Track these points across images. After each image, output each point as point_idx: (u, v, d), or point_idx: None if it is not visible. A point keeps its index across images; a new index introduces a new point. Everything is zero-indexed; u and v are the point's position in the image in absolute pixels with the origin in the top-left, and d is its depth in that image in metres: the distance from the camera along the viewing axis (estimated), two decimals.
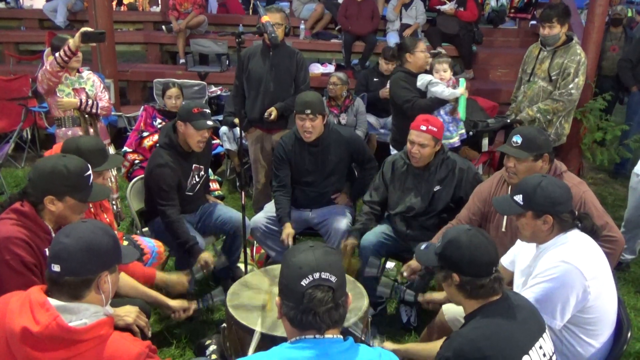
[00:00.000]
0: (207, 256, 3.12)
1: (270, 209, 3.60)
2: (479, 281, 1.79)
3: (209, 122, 3.21)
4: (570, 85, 4.06)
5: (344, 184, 3.64)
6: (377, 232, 3.31)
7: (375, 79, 5.70)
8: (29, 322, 1.52)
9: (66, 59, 3.68)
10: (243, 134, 3.49)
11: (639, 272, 4.03)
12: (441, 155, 3.17)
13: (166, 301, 2.62)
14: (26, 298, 1.59)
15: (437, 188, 3.15)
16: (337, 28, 7.45)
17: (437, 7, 6.88)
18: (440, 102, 3.78)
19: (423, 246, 2.08)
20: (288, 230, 3.36)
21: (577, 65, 4.05)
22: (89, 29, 3.71)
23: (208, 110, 3.27)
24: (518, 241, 2.39)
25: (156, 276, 2.72)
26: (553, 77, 4.13)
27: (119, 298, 2.41)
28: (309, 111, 3.29)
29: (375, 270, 2.90)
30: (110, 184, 3.36)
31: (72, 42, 3.63)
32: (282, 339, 1.55)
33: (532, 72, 4.28)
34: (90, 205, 2.68)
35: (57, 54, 3.70)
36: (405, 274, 2.86)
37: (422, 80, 3.84)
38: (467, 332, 1.77)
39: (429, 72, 3.96)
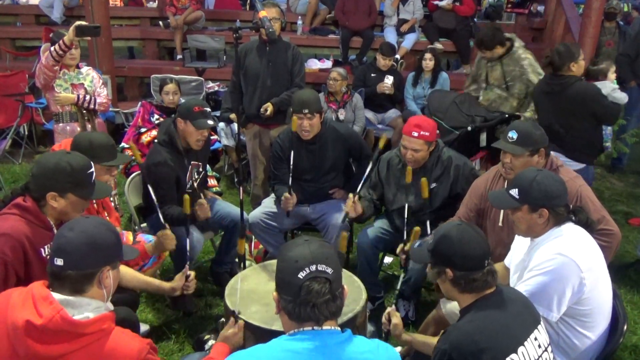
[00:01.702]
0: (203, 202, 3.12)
1: (268, 204, 3.60)
2: (472, 275, 1.80)
3: (210, 122, 3.19)
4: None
5: (342, 180, 3.65)
6: (375, 228, 3.33)
7: (372, 75, 5.70)
8: (32, 315, 1.53)
9: (61, 52, 3.68)
10: (241, 130, 3.49)
11: (635, 258, 4.05)
12: (436, 153, 3.18)
13: (165, 285, 2.63)
14: (28, 292, 1.60)
15: (433, 185, 3.16)
16: (330, 14, 7.40)
17: (435, 2, 6.88)
18: None
19: (417, 244, 2.11)
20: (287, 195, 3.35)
21: (526, 69, 4.15)
22: (84, 23, 3.71)
23: (209, 109, 3.25)
24: (516, 237, 2.41)
25: (145, 248, 2.74)
26: (509, 84, 4.25)
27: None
28: (306, 110, 3.29)
29: None
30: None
31: (67, 36, 3.64)
32: (281, 334, 1.56)
33: (486, 79, 4.38)
34: (94, 202, 2.69)
35: (51, 48, 3.71)
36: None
37: (606, 87, 3.80)
38: (463, 325, 1.79)
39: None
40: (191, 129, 3.16)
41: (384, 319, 2.31)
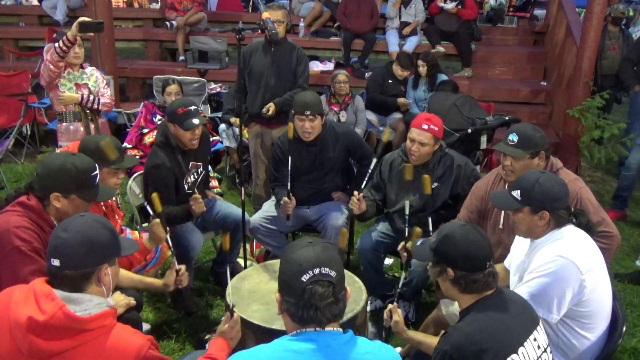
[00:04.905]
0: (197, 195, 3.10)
1: (267, 208, 3.60)
2: (473, 276, 1.81)
3: (196, 121, 3.11)
4: None
5: (342, 181, 3.65)
6: (376, 232, 3.33)
7: (389, 81, 5.74)
8: (35, 311, 1.53)
9: (65, 48, 3.68)
10: (243, 129, 3.49)
11: (634, 268, 4.05)
12: (439, 153, 3.19)
13: (158, 282, 2.63)
14: (30, 289, 1.61)
15: (434, 185, 3.17)
16: (335, 25, 7.47)
17: (440, 4, 6.89)
18: None
19: (419, 242, 2.11)
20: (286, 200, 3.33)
21: None
22: (87, 19, 3.71)
23: (193, 107, 3.16)
24: (516, 239, 2.41)
25: (143, 242, 2.71)
26: None
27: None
28: (308, 112, 3.29)
29: None
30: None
31: (70, 31, 3.65)
32: (281, 333, 1.57)
33: None
34: (103, 205, 2.70)
35: (56, 44, 3.71)
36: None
37: None
38: (463, 326, 1.79)
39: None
40: (180, 131, 3.14)
41: (385, 316, 2.33)
